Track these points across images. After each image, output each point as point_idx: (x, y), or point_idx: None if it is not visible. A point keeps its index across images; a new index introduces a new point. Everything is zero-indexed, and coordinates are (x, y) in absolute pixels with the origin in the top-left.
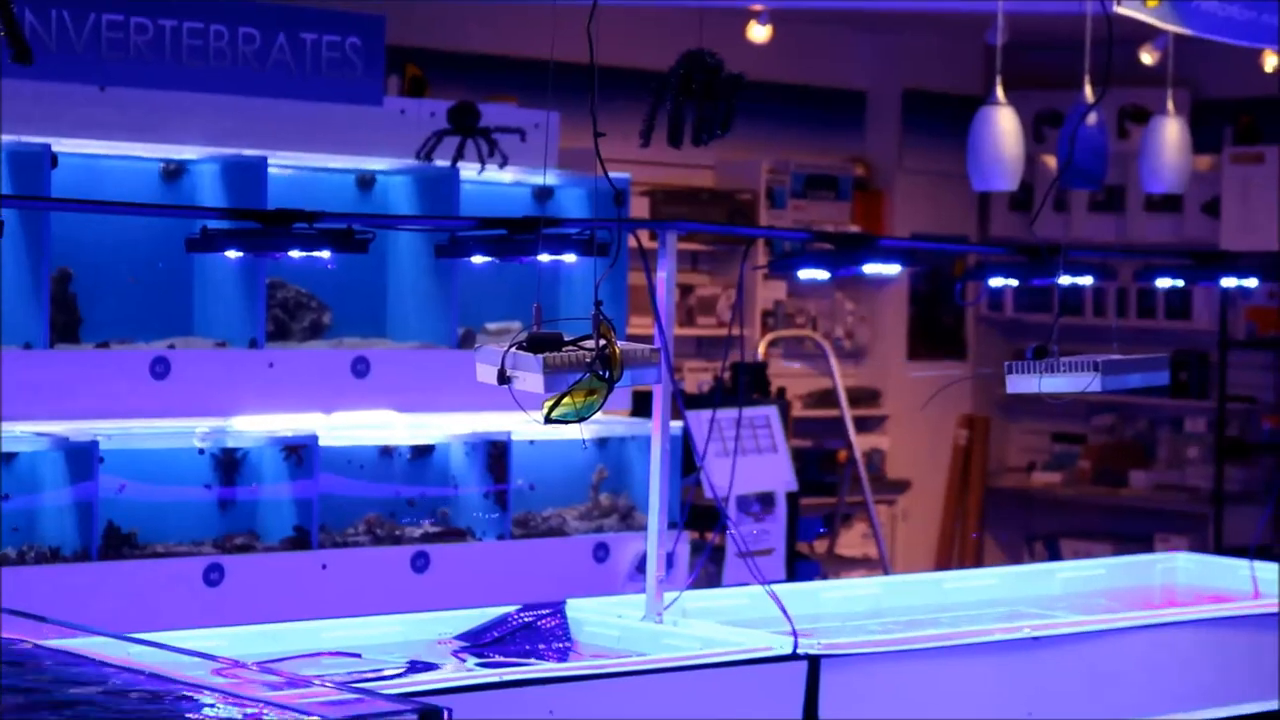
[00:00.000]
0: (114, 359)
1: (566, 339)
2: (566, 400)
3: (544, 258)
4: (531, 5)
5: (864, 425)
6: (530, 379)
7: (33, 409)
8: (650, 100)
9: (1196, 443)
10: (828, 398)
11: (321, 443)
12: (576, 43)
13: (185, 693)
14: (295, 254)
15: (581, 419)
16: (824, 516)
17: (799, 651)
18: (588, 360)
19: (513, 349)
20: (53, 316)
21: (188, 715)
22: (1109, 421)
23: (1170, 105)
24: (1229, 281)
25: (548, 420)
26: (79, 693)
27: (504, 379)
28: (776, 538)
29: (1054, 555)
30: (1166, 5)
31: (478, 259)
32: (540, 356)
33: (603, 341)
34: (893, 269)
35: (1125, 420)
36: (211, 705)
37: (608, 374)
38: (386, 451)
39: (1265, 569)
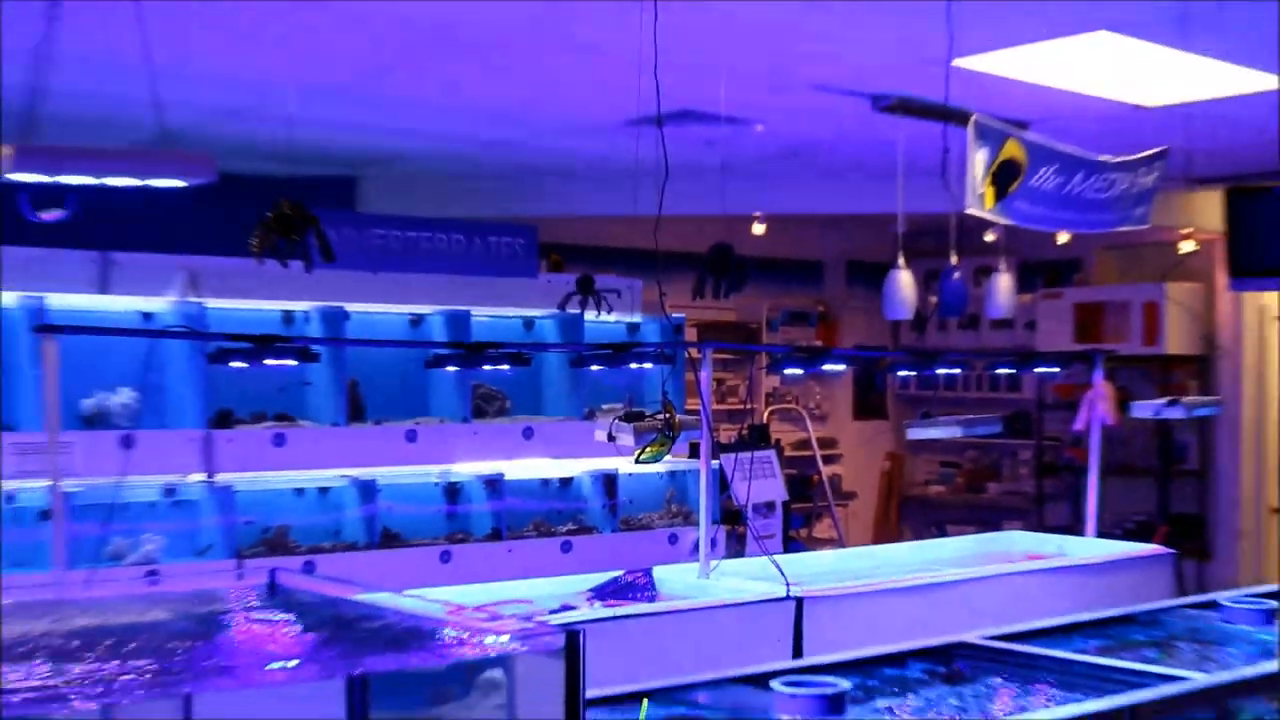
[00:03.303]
0: (384, 431)
1: (646, 414)
2: (648, 449)
3: (634, 365)
4: (625, 215)
5: (828, 460)
6: (626, 438)
7: (339, 461)
8: (697, 273)
9: (1025, 466)
10: (805, 444)
11: (506, 478)
12: (652, 238)
13: (431, 626)
14: (487, 368)
15: (657, 460)
16: (804, 515)
17: (790, 595)
18: (659, 426)
19: (615, 420)
20: (348, 407)
21: (436, 631)
22: (975, 455)
23: (1003, 265)
24: (1040, 370)
25: (638, 461)
26: (368, 626)
27: (610, 438)
28: (776, 528)
29: (943, 535)
30: (999, 207)
31: (595, 367)
32: (632, 425)
33: (667, 415)
34: (840, 367)
35: (984, 453)
36: (447, 628)
37: (671, 433)
38: (545, 482)
39: (1067, 541)
